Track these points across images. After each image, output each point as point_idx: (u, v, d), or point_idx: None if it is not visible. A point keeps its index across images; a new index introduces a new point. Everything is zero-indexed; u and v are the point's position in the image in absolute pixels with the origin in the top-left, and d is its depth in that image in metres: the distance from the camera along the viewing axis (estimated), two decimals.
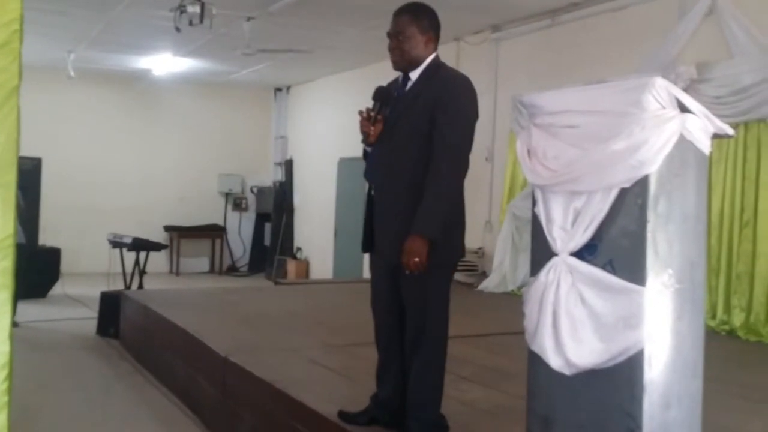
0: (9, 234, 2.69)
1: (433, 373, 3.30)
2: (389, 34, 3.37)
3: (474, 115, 3.29)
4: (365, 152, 3.48)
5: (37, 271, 9.66)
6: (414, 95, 3.30)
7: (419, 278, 3.19)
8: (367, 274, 9.75)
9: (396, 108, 3.33)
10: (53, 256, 10.55)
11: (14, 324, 2.80)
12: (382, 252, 3.36)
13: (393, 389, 3.41)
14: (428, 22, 3.35)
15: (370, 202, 3.43)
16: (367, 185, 3.50)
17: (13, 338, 2.72)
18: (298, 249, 13.82)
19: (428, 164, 3.17)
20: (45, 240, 11.03)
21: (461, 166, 3.24)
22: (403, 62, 3.34)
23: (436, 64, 3.36)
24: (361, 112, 3.36)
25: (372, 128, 3.32)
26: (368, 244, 3.43)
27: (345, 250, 12.18)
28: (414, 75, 3.35)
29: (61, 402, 5.49)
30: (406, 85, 3.37)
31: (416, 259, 3.11)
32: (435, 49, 3.38)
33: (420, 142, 3.21)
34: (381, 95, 3.37)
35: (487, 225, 9.18)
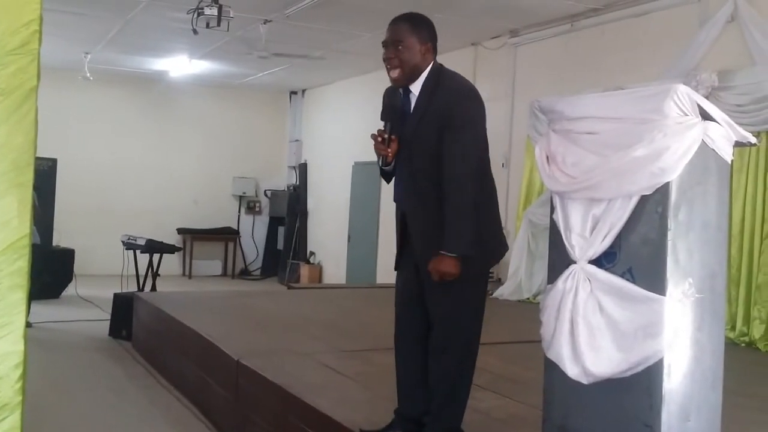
0: (25, 234, 2.69)
1: (453, 383, 3.19)
2: (386, 43, 3.23)
3: (481, 121, 3.19)
4: (383, 171, 3.36)
5: (51, 271, 9.71)
6: (420, 113, 3.19)
7: (445, 289, 3.11)
8: (380, 279, 9.74)
9: (408, 125, 3.21)
10: (67, 257, 10.60)
11: (28, 324, 2.78)
12: (421, 264, 3.20)
13: (419, 402, 3.30)
14: (427, 32, 3.23)
15: (403, 222, 3.31)
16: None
17: (27, 338, 2.72)
18: (312, 253, 13.81)
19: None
20: (59, 241, 11.10)
21: (475, 177, 3.13)
22: (404, 76, 3.20)
23: (435, 72, 3.22)
24: (374, 136, 3.23)
25: (388, 150, 3.20)
26: (399, 262, 3.36)
27: (358, 255, 12.15)
28: (415, 88, 3.22)
29: (72, 403, 5.50)
30: (409, 98, 3.25)
31: (445, 278, 3.04)
32: (432, 60, 3.25)
33: (436, 160, 3.11)
34: (388, 114, 3.25)
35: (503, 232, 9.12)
